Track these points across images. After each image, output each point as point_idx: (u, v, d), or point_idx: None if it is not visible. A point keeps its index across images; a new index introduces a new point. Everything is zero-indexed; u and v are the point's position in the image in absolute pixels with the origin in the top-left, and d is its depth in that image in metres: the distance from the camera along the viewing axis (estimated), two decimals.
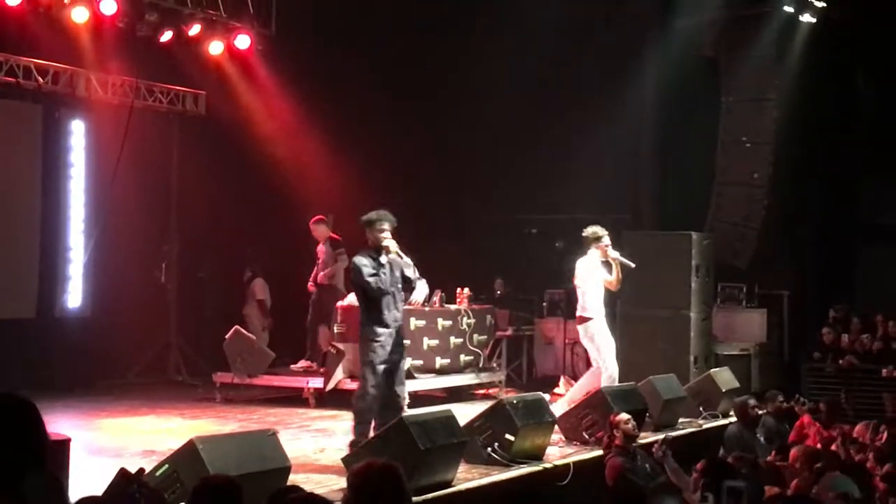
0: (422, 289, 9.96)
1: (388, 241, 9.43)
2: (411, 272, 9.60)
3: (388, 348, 9.38)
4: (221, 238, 16.64)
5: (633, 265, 12.18)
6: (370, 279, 9.28)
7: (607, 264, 11.98)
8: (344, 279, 13.55)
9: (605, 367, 11.88)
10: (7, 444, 3.80)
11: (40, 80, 14.20)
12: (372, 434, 8.95)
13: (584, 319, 11.97)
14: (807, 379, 15.78)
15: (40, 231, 14.83)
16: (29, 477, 3.77)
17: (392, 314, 9.44)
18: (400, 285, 9.55)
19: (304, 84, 15.72)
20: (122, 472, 4.63)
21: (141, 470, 4.62)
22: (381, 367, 9.32)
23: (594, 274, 11.93)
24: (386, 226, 9.47)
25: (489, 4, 16.70)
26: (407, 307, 13.44)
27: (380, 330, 9.34)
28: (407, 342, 13.13)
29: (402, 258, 9.50)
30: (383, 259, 9.39)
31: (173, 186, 16.63)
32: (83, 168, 15.28)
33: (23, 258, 14.58)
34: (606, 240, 11.96)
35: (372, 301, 9.41)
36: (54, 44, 13.79)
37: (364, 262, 9.35)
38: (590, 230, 12.04)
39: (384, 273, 9.34)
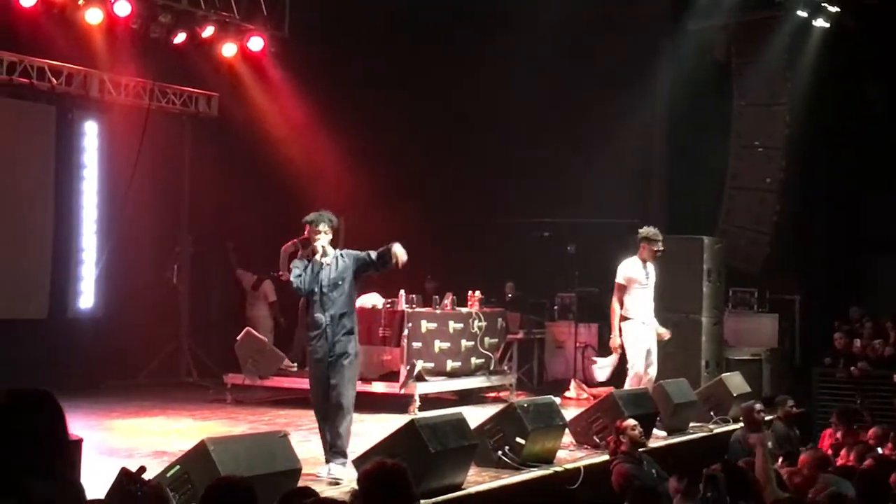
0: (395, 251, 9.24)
1: (319, 242, 9.06)
2: (365, 256, 9.17)
3: (319, 353, 9.02)
4: (232, 239, 16.65)
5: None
6: (293, 279, 9.13)
7: (650, 268, 12.02)
8: None
9: (630, 365, 11.91)
10: (30, 437, 3.85)
11: (54, 81, 14.26)
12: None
13: (623, 319, 12.00)
14: (818, 384, 15.74)
15: (53, 231, 14.89)
16: (40, 483, 3.80)
17: (319, 316, 9.04)
18: (339, 284, 9.05)
19: (316, 86, 15.75)
20: (124, 471, 4.67)
21: (142, 468, 4.65)
22: (316, 370, 9.07)
23: (633, 276, 11.94)
24: (321, 226, 9.08)
25: (502, 7, 16.69)
26: (418, 310, 13.54)
27: (311, 331, 9.12)
28: (418, 345, 13.27)
29: (326, 256, 9.05)
30: (318, 260, 9.06)
31: (185, 188, 16.67)
32: (96, 169, 15.35)
33: (35, 259, 14.62)
34: (659, 245, 11.98)
35: (304, 302, 9.46)
36: (68, 45, 13.84)
37: (296, 265, 9.20)
38: (645, 230, 12.09)
39: (308, 273, 9.06)
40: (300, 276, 9.08)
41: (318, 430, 9.15)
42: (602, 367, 13.08)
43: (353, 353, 9.05)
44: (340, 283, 9.06)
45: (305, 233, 9.16)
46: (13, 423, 3.87)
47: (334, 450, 8.78)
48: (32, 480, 3.77)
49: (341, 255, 9.15)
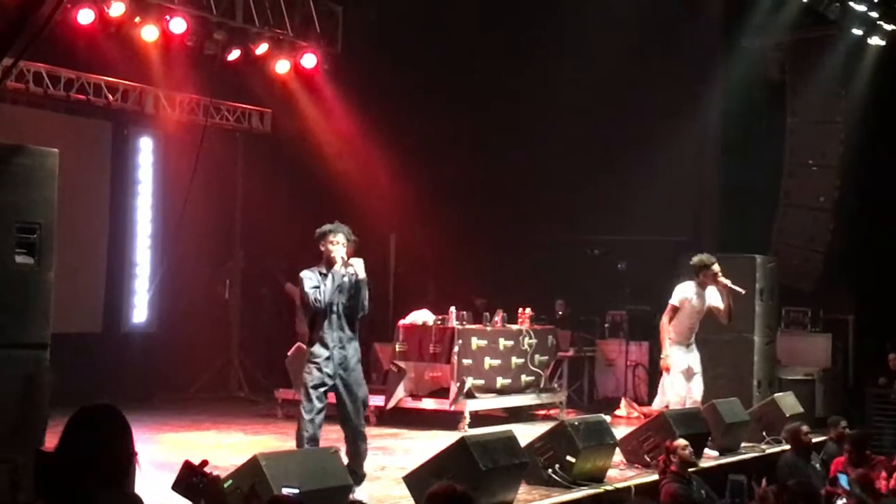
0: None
1: (337, 254, 8.70)
2: (364, 295, 8.77)
3: (327, 371, 8.62)
4: (284, 255, 16.74)
5: (742, 292, 12.19)
6: (309, 291, 8.62)
7: (711, 294, 11.90)
8: None
9: (668, 386, 11.83)
10: (101, 451, 3.94)
11: (110, 97, 14.43)
12: None
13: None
14: (871, 405, 15.56)
15: (108, 246, 15.05)
16: (109, 496, 3.89)
17: (334, 334, 8.67)
18: (352, 303, 8.75)
19: (368, 102, 15.81)
20: (187, 463, 4.76)
21: (204, 462, 4.73)
22: (317, 392, 8.63)
23: (689, 301, 11.86)
24: (339, 238, 8.74)
25: (554, 25, 16.69)
26: (469, 327, 13.55)
27: (318, 350, 8.66)
28: (468, 361, 13.26)
29: (346, 270, 8.71)
30: (333, 273, 8.67)
31: (238, 203, 16.80)
32: (150, 184, 15.52)
33: (90, 273, 14.78)
34: (716, 267, 11.88)
35: (316, 317, 8.75)
36: (124, 62, 13.99)
37: (308, 275, 8.71)
38: (696, 258, 11.96)
39: (325, 286, 8.61)
40: (318, 287, 8.63)
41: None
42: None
43: (362, 381, 8.94)
44: (353, 301, 8.76)
45: (324, 248, 8.74)
46: (86, 437, 3.97)
47: (357, 475, 8.61)
48: (101, 493, 3.86)
49: (354, 272, 8.76)
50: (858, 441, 10.87)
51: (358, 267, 8.71)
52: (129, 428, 4.13)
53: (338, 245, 8.71)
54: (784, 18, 16.74)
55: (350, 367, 8.73)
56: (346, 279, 8.70)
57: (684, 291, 11.89)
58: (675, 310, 11.86)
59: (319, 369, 8.60)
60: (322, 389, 8.63)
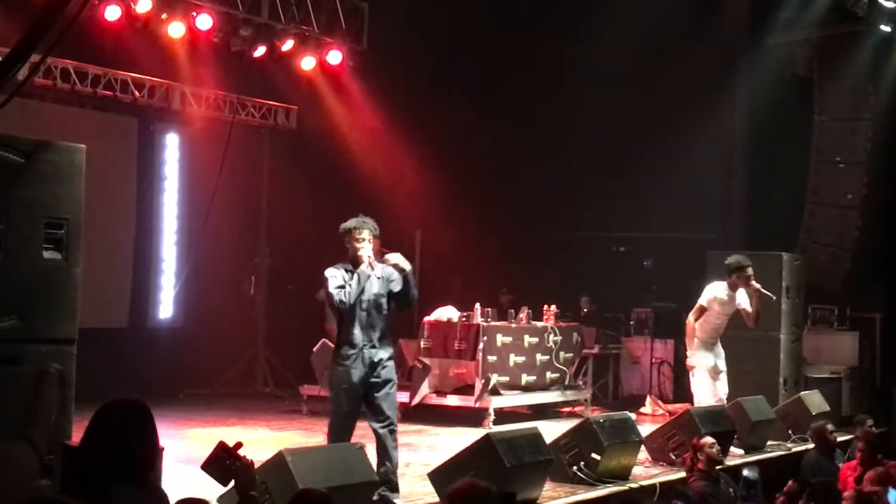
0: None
1: (364, 252, 8.31)
2: (398, 286, 8.39)
3: (358, 372, 8.24)
4: (310, 251, 16.77)
5: (773, 297, 12.17)
6: (334, 291, 8.23)
7: (740, 296, 11.85)
8: None
9: (695, 387, 11.81)
10: (124, 446, 3.95)
11: (136, 93, 14.50)
12: None
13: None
14: None
15: (134, 242, 15.12)
16: (124, 491, 3.89)
17: (363, 332, 8.29)
18: (382, 301, 8.36)
19: (394, 99, 15.82)
20: (221, 445, 4.78)
21: (238, 444, 4.75)
22: (348, 394, 8.27)
23: (718, 302, 11.81)
24: (365, 234, 8.34)
25: (581, 25, 16.67)
26: (494, 323, 13.54)
27: (346, 351, 8.28)
28: (493, 358, 13.26)
29: (373, 269, 8.35)
30: (360, 272, 8.31)
31: (264, 200, 16.85)
32: (176, 180, 15.57)
33: (117, 268, 14.85)
34: (750, 271, 11.81)
35: (343, 316, 8.36)
36: (151, 58, 14.06)
37: (333, 273, 8.32)
38: (733, 259, 11.88)
39: (351, 286, 8.24)
40: (343, 287, 8.25)
41: (402, 444, 8.67)
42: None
43: (395, 381, 8.53)
44: (383, 300, 8.37)
45: (349, 245, 8.40)
46: (109, 430, 3.98)
47: (391, 485, 8.24)
48: (116, 488, 3.85)
49: (383, 268, 8.41)
50: (872, 441, 10.78)
51: (399, 260, 8.37)
52: (153, 422, 4.13)
53: (364, 242, 8.33)
54: (811, 15, 16.66)
55: (380, 366, 8.32)
56: (374, 278, 8.32)
57: (714, 291, 11.83)
58: (703, 310, 11.80)
59: (348, 370, 8.25)
60: (351, 390, 8.26)
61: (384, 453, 8.26)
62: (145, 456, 4.04)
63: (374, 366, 8.27)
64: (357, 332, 8.26)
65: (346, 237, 8.42)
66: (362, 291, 8.26)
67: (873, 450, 10.45)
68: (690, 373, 11.96)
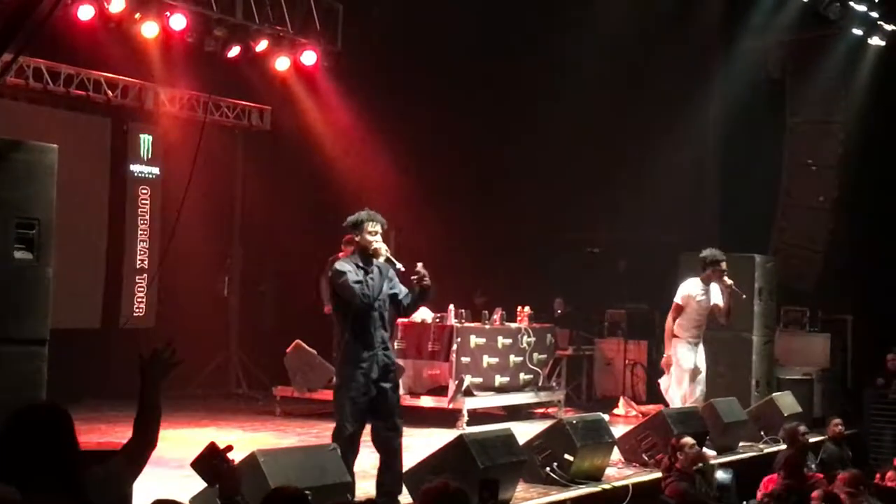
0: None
1: (378, 244, 7.90)
2: (407, 297, 8.04)
3: (372, 376, 7.82)
4: (283, 252, 16.75)
5: (743, 296, 12.24)
6: (355, 286, 7.71)
7: (714, 291, 11.88)
8: None
9: (675, 383, 11.83)
10: (37, 453, 3.90)
11: (109, 93, 14.45)
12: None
13: (672, 337, 11.91)
14: (870, 405, 15.56)
15: (107, 242, 15.06)
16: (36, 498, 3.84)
17: (378, 333, 7.87)
18: (389, 299, 7.98)
19: (368, 100, 15.81)
20: (212, 445, 4.78)
21: (229, 447, 4.75)
22: (362, 399, 7.81)
23: (693, 298, 11.84)
24: (377, 227, 7.91)
25: (554, 25, 16.69)
26: (467, 325, 13.55)
27: (361, 352, 7.81)
28: (466, 359, 13.26)
29: (395, 265, 7.96)
30: (378, 265, 7.91)
31: (237, 200, 16.82)
32: (149, 181, 15.51)
33: (89, 269, 14.79)
34: (724, 265, 11.86)
35: (357, 316, 7.84)
36: (124, 58, 14.00)
37: (348, 268, 7.80)
38: (707, 252, 11.93)
39: (371, 280, 7.79)
40: (361, 281, 7.75)
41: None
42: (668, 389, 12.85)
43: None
44: (391, 298, 8.01)
45: (360, 238, 7.94)
46: (18, 440, 3.93)
47: (393, 492, 7.94)
48: (30, 495, 3.80)
49: (387, 268, 8.00)
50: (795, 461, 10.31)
51: (425, 275, 7.93)
52: (70, 428, 4.04)
53: (377, 236, 7.89)
54: (784, 18, 16.76)
55: (390, 371, 7.98)
56: (384, 276, 7.92)
57: (688, 289, 11.88)
58: (680, 308, 11.84)
59: (365, 374, 7.79)
60: (364, 396, 7.82)
61: (393, 459, 7.97)
62: (62, 459, 3.97)
63: (386, 369, 7.93)
64: (373, 334, 7.84)
65: (356, 230, 8.01)
66: (380, 286, 7.85)
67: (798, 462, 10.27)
68: (667, 371, 11.96)
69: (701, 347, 11.98)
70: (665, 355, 11.94)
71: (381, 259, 7.88)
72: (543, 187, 17.77)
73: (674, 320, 11.84)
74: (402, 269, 7.97)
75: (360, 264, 7.87)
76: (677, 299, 11.86)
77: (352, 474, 7.69)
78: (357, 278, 7.76)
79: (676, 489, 9.01)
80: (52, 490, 3.87)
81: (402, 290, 8.07)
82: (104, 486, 4.15)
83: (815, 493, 8.07)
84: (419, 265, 7.90)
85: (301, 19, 14.75)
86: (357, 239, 8.03)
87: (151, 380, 4.44)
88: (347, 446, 7.76)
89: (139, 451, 4.32)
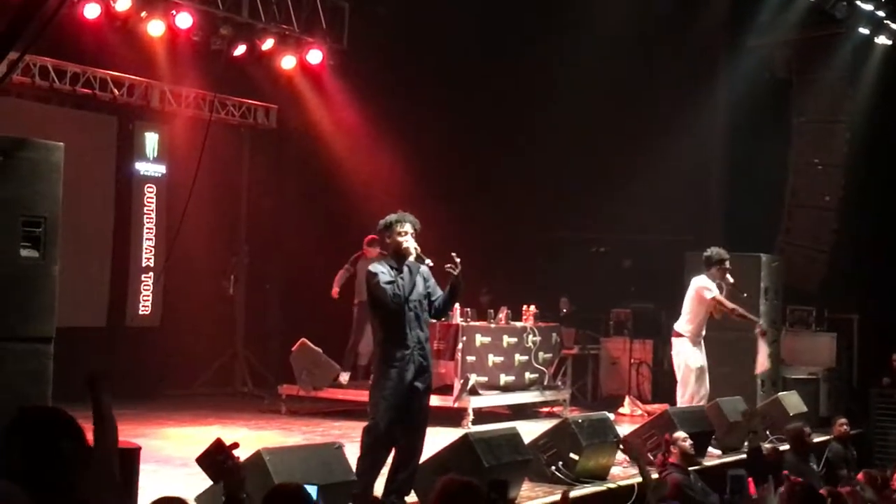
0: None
1: (409, 244, 7.94)
2: (441, 298, 8.08)
3: (409, 376, 7.82)
4: (289, 251, 16.76)
5: (744, 294, 12.27)
6: (387, 286, 7.74)
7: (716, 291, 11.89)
8: None
9: (680, 385, 11.84)
10: (37, 456, 3.89)
11: (116, 91, 14.46)
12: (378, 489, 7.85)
13: (678, 335, 11.91)
14: (875, 405, 15.55)
15: (113, 240, 15.07)
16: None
17: (413, 333, 7.86)
18: (425, 302, 8.00)
19: (375, 99, 15.81)
20: (218, 441, 4.78)
21: (235, 444, 4.74)
22: (395, 398, 7.80)
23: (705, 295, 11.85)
24: (407, 227, 7.96)
25: (560, 24, 16.68)
26: (473, 323, 13.55)
27: (397, 352, 7.80)
28: (472, 358, 13.26)
29: (423, 261, 7.96)
30: (410, 265, 7.95)
31: (243, 199, 16.81)
32: (155, 180, 15.52)
33: (95, 267, 14.80)
34: (728, 264, 11.86)
35: (391, 316, 7.85)
36: (130, 56, 14.02)
37: (381, 269, 7.83)
38: (714, 251, 11.93)
39: (402, 280, 7.82)
40: (393, 281, 7.79)
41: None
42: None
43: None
44: (425, 301, 8.02)
45: (391, 239, 7.97)
46: (17, 443, 3.91)
47: (403, 492, 7.91)
48: (35, 495, 3.80)
49: (424, 269, 8.04)
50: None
51: (413, 248, 7.98)
52: (72, 429, 4.04)
53: (407, 236, 7.95)
54: (791, 17, 16.74)
55: (427, 372, 7.97)
56: (420, 277, 7.96)
57: (707, 283, 11.87)
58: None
59: (400, 373, 7.77)
60: (398, 395, 7.78)
61: (411, 459, 7.96)
62: (66, 461, 3.96)
63: (421, 370, 7.90)
64: (409, 333, 7.81)
65: (387, 232, 8.03)
66: (413, 286, 7.88)
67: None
68: (677, 356, 11.92)
69: (702, 346, 11.99)
70: (759, 323, 12.18)
71: (412, 257, 7.93)
72: (550, 186, 17.77)
73: (728, 303, 11.79)
74: (431, 264, 8.00)
75: (394, 265, 7.93)
76: (711, 290, 11.79)
77: (377, 472, 7.81)
78: (389, 279, 7.80)
79: (674, 481, 9.02)
80: (57, 489, 3.87)
81: (436, 293, 8.09)
82: (105, 487, 4.15)
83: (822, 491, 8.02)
84: (453, 254, 7.93)
85: (307, 18, 14.76)
86: (388, 241, 8.07)
87: (97, 393, 4.47)
88: (379, 443, 7.83)
89: (105, 458, 4.33)
